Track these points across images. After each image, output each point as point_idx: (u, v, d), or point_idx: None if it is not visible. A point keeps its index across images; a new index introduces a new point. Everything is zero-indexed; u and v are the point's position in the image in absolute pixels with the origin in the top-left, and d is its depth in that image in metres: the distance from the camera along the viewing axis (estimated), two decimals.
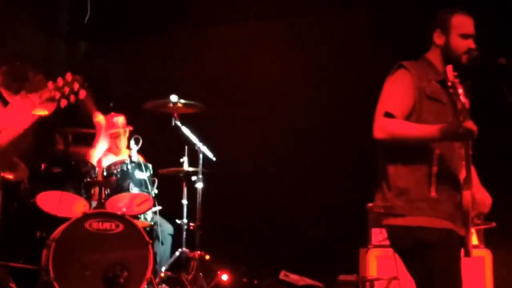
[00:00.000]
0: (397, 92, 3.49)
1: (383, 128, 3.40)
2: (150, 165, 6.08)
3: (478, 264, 5.48)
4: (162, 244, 6.33)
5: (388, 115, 3.41)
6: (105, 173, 5.89)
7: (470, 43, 3.57)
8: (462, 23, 3.58)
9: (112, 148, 6.64)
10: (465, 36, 3.57)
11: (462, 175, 3.52)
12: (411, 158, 3.44)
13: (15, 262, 5.64)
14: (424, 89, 3.49)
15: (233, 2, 7.53)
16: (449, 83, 3.30)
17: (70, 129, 6.34)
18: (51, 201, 5.77)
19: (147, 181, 5.94)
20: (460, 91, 3.26)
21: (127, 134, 6.63)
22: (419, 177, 3.43)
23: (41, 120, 6.08)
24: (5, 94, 5.81)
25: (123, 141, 6.63)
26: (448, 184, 3.45)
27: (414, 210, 3.41)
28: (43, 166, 5.91)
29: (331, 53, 7.20)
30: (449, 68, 3.32)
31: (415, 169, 3.44)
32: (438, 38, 3.61)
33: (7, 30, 7.02)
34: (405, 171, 3.45)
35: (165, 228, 6.40)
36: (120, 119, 6.62)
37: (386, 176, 3.50)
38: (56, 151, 6.40)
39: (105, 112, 6.70)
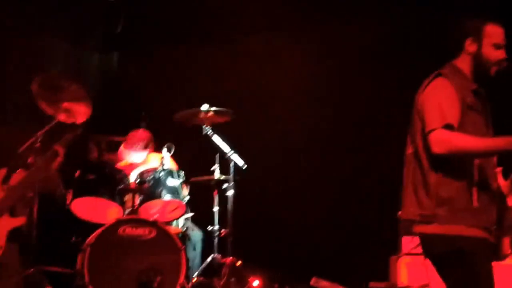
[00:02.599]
0: (447, 103, 3.44)
1: (445, 141, 3.35)
2: (182, 172, 6.14)
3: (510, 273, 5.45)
4: (194, 249, 6.38)
5: (449, 127, 3.37)
6: (138, 180, 5.95)
7: (502, 53, 3.57)
8: (495, 32, 3.58)
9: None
10: (497, 46, 3.56)
11: (502, 183, 3.54)
12: (454, 167, 3.43)
13: (51, 266, 5.73)
14: (465, 99, 3.48)
15: (262, 13, 7.59)
16: None
17: (103, 137, 6.43)
18: (85, 207, 5.87)
19: (179, 188, 6.00)
20: None
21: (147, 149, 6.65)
22: (462, 186, 3.42)
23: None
24: (41, 103, 5.93)
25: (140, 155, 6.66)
26: (487, 193, 3.47)
27: (457, 220, 3.40)
28: (77, 173, 6.00)
29: (358, 61, 7.22)
30: None
31: (457, 179, 3.43)
32: (470, 46, 3.58)
33: (41, 42, 7.13)
34: (448, 180, 3.43)
35: (196, 234, 6.45)
36: (139, 133, 6.63)
37: (426, 184, 3.47)
38: (90, 158, 6.49)
39: (137, 122, 6.77)
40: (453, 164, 3.43)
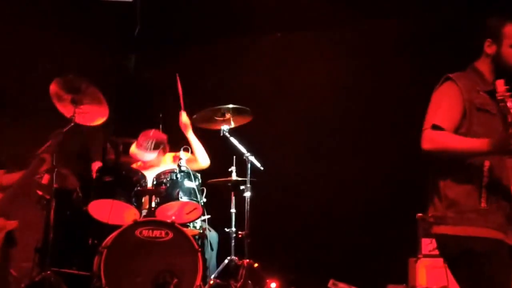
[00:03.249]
0: (444, 105, 3.50)
1: (431, 139, 3.42)
2: (199, 174, 6.14)
3: None
4: (212, 249, 6.37)
5: (436, 127, 3.42)
6: (154, 182, 5.96)
7: None
8: None
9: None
10: None
11: None
12: (461, 170, 3.44)
13: (68, 269, 5.75)
14: (473, 100, 3.47)
15: (281, 13, 7.56)
16: (499, 97, 3.28)
17: (120, 139, 6.44)
18: (102, 209, 5.85)
19: (196, 190, 6.00)
20: (510, 104, 3.24)
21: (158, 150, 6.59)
22: (469, 188, 3.42)
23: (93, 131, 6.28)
24: (59, 105, 5.97)
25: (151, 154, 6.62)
26: (499, 195, 3.44)
27: (464, 221, 3.40)
28: (94, 175, 6.01)
29: (379, 61, 7.18)
30: (500, 82, 3.29)
31: (464, 181, 3.43)
32: (489, 48, 3.57)
33: (58, 44, 7.17)
34: (455, 183, 3.45)
35: (212, 236, 6.43)
36: (150, 133, 6.56)
37: (437, 187, 3.50)
38: (107, 160, 6.50)
39: (153, 124, 6.78)
40: (460, 166, 3.44)
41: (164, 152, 6.64)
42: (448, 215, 3.44)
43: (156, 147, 6.45)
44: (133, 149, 6.55)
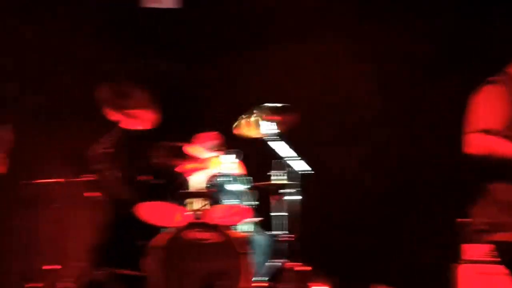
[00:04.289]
0: (491, 108, 3.49)
1: (480, 144, 3.42)
2: (248, 178, 6.21)
3: None
4: (260, 254, 6.40)
5: (486, 131, 3.42)
6: (204, 185, 6.05)
7: None
8: None
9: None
10: None
11: None
12: (509, 172, 3.44)
13: (117, 268, 5.86)
14: None
15: (315, 14, 7.60)
16: None
17: (166, 142, 6.55)
18: (150, 211, 6.00)
19: (245, 193, 6.07)
20: None
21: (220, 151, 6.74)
22: None
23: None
24: (109, 111, 6.09)
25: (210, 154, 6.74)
26: None
27: None
28: (142, 178, 6.14)
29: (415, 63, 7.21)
30: None
31: None
32: None
33: (105, 51, 7.28)
34: (505, 186, 3.44)
35: (262, 239, 6.44)
36: (213, 133, 6.76)
37: (487, 192, 3.50)
38: (154, 163, 6.61)
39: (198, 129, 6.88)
40: (508, 169, 3.43)
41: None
42: (504, 220, 3.42)
43: (217, 149, 6.65)
44: (191, 148, 6.68)
